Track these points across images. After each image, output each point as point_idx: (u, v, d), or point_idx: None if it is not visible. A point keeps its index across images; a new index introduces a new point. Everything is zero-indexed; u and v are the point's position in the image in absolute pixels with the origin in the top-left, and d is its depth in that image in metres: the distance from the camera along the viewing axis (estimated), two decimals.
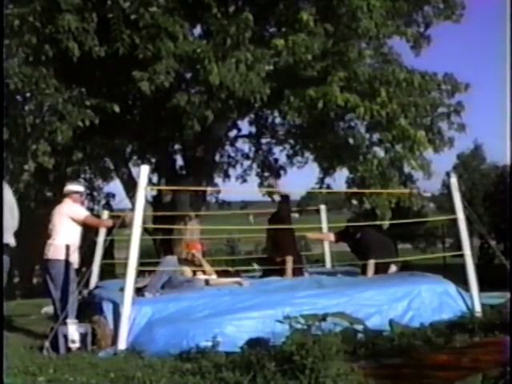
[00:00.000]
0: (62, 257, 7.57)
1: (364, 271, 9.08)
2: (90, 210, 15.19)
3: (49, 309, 9.35)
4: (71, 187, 8.05)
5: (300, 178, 13.98)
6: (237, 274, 9.09)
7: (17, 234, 6.88)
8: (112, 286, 8.11)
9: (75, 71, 10.60)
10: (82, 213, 7.91)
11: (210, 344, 6.19)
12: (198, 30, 11.81)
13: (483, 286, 7.86)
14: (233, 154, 15.03)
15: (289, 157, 14.42)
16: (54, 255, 7.61)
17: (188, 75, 11.51)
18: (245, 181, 15.08)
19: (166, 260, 8.30)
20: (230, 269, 9.59)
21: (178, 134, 12.78)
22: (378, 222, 10.92)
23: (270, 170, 14.61)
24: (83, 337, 6.97)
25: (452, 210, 8.00)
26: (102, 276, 9.39)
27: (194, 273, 8.40)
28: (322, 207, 10.92)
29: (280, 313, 6.30)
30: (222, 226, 12.73)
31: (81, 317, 7.33)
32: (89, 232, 8.87)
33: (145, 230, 10.00)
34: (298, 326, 5.52)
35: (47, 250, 7.68)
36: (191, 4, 10.76)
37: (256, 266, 10.33)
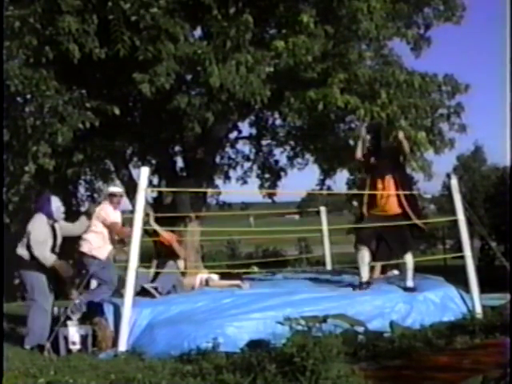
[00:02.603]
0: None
1: None
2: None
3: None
4: (108, 189, 8.59)
5: (300, 180, 14.00)
6: (238, 275, 9.09)
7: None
8: None
9: (75, 73, 10.59)
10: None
11: (210, 345, 6.19)
12: (198, 32, 11.80)
13: (484, 288, 7.86)
14: (233, 156, 15.01)
15: (289, 158, 14.41)
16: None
17: (188, 77, 11.49)
18: (245, 182, 15.06)
19: (170, 264, 8.40)
20: (231, 271, 9.58)
21: (179, 136, 12.78)
22: (378, 224, 10.90)
23: (271, 171, 14.61)
24: (84, 338, 6.97)
25: (452, 212, 8.00)
26: None
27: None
28: (323, 209, 10.92)
29: (281, 314, 6.31)
30: (222, 228, 12.71)
31: (81, 318, 7.32)
32: None
33: (145, 232, 9.99)
34: (299, 328, 5.52)
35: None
36: (191, 5, 10.75)
37: (255, 269, 10.31)
